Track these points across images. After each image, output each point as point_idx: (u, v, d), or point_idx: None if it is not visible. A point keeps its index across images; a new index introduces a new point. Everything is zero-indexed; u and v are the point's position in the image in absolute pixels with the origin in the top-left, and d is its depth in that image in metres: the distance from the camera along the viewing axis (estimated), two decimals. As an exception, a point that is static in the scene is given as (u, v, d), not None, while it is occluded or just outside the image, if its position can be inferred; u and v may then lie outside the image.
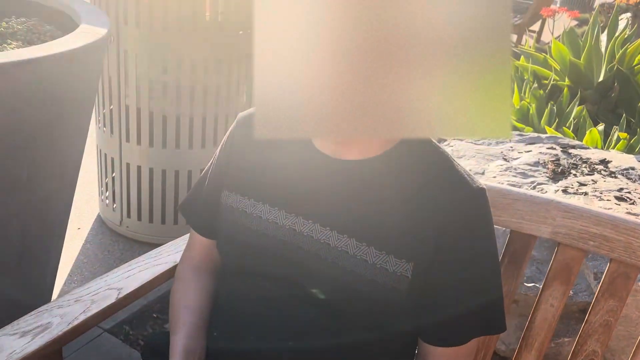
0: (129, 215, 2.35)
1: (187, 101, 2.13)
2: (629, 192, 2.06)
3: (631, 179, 2.21)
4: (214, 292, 1.04)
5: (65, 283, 2.14)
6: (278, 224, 0.90)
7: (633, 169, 2.26)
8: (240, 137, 0.98)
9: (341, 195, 0.87)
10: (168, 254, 1.17)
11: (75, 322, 0.96)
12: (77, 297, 1.02)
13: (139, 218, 2.33)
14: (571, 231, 0.99)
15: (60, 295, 1.93)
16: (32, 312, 0.98)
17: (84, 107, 1.59)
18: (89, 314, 0.99)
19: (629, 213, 1.86)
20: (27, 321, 0.96)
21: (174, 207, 2.29)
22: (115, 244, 2.37)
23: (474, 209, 0.85)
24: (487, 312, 0.90)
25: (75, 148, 1.62)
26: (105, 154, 2.32)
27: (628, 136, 2.54)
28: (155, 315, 2.00)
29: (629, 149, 2.58)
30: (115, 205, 2.39)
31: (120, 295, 1.04)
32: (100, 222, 2.53)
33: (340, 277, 0.86)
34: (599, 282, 0.91)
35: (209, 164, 1.06)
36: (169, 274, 1.13)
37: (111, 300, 1.02)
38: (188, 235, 1.25)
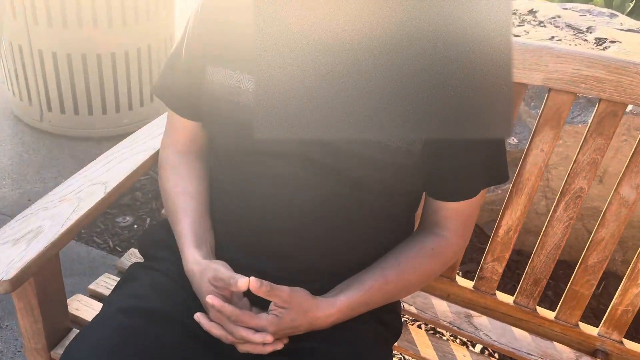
0: (49, 109, 2.14)
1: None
2: (560, 40, 2.12)
3: (559, 27, 2.27)
4: (208, 177, 0.98)
5: (-7, 189, 1.97)
6: None
7: (559, 17, 2.32)
8: None
9: None
10: (144, 142, 1.07)
11: (69, 223, 0.88)
12: (60, 197, 0.93)
13: (62, 111, 2.13)
14: (563, 75, 1.00)
15: (-4, 202, 1.78)
16: (16, 218, 0.88)
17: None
18: (80, 212, 0.90)
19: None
20: (13, 228, 0.86)
21: (101, 95, 2.11)
22: (39, 141, 2.18)
23: None
24: (494, 164, 0.91)
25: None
26: (11, 42, 2.06)
27: (550, -16, 2.58)
28: (105, 210, 1.91)
29: (549, -2, 2.63)
30: (32, 99, 2.16)
31: (108, 190, 0.95)
32: (14, 119, 2.30)
33: (351, 145, 0.83)
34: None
35: (182, 34, 0.95)
36: (152, 162, 1.05)
37: (99, 195, 0.94)
38: (160, 119, 1.15)
